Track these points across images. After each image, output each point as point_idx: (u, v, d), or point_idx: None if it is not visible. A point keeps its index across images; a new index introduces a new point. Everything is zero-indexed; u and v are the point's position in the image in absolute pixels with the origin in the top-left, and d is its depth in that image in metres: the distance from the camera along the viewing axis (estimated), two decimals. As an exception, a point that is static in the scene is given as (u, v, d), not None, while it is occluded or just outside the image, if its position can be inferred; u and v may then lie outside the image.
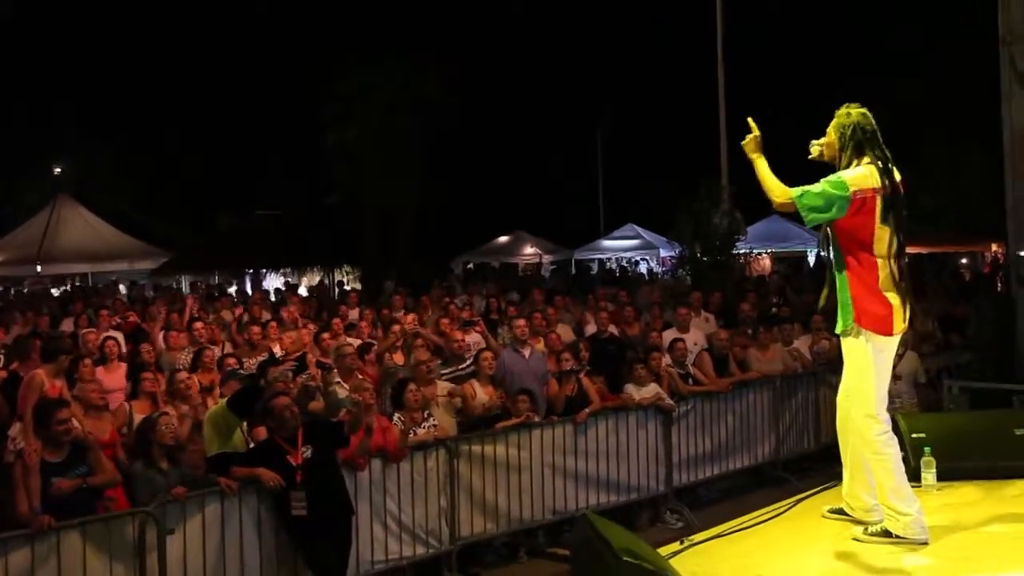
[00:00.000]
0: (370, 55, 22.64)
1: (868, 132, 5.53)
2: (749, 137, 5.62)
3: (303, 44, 35.53)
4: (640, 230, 31.03)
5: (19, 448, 6.68)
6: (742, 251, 18.36)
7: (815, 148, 5.75)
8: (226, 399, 7.23)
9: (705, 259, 16.72)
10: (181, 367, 9.52)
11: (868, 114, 5.59)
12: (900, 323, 5.51)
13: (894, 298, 5.46)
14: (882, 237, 5.43)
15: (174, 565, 6.37)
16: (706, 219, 16.76)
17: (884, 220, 5.42)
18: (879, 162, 5.48)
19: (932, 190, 29.64)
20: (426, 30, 29.64)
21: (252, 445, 7.38)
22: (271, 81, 36.94)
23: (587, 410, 8.95)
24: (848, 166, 5.52)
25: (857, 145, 5.52)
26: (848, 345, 5.61)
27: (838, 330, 5.66)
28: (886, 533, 5.48)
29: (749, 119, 5.64)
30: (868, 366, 5.51)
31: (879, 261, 5.43)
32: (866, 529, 5.60)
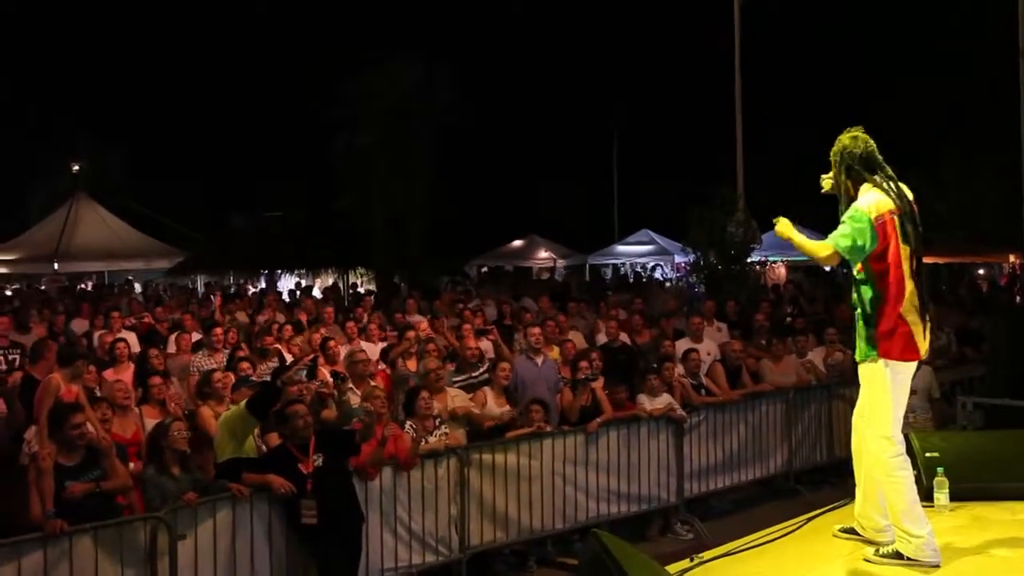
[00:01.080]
0: (379, 57, 22.67)
1: (859, 155, 5.45)
2: (781, 228, 5.61)
3: (311, 47, 35.68)
4: (655, 236, 30.94)
5: (34, 451, 6.71)
6: (757, 259, 18.30)
7: (826, 182, 5.72)
8: (244, 401, 7.25)
9: (720, 267, 16.65)
10: (196, 369, 9.60)
11: (859, 136, 5.49)
12: (923, 345, 5.46)
13: (916, 321, 5.41)
14: (905, 257, 5.39)
15: (185, 570, 6.41)
16: (720, 227, 16.69)
17: (904, 240, 5.39)
18: (886, 182, 5.42)
19: (949, 199, 29.49)
20: (436, 32, 29.69)
21: (264, 450, 7.41)
22: (281, 83, 37.09)
23: (598, 420, 8.94)
24: (855, 194, 5.47)
25: (848, 170, 5.46)
26: (866, 369, 5.57)
27: (858, 358, 5.62)
28: (897, 555, 5.44)
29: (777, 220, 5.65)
30: (886, 389, 5.46)
31: (906, 282, 5.40)
32: (877, 550, 5.56)
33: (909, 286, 5.39)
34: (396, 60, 22.52)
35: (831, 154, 5.57)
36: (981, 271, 27.00)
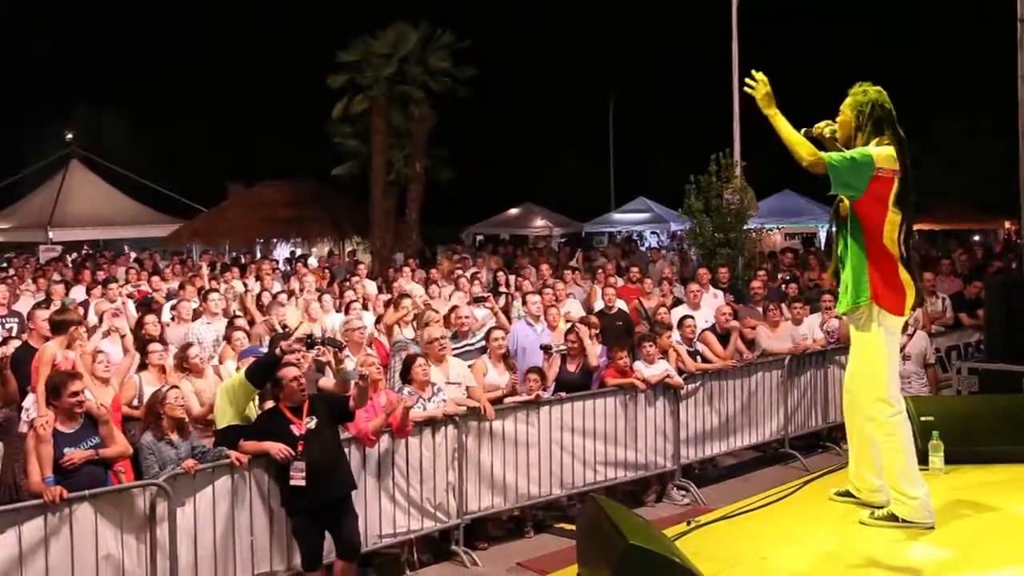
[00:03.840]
0: (378, 24, 22.51)
1: (886, 110, 5.43)
2: (760, 90, 5.33)
3: (310, 12, 35.38)
4: (651, 203, 30.89)
5: (32, 418, 6.72)
6: (753, 227, 18.25)
7: (826, 128, 5.62)
8: (243, 370, 7.26)
9: (717, 235, 16.62)
10: (195, 338, 9.60)
11: (884, 92, 5.47)
12: (911, 304, 5.49)
13: (906, 279, 5.44)
14: (894, 220, 5.36)
15: (184, 537, 6.44)
16: (716, 194, 16.64)
17: (896, 203, 5.36)
18: (897, 143, 5.39)
19: (947, 165, 29.46)
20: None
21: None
22: (280, 50, 36.82)
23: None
24: (866, 145, 5.41)
25: (876, 123, 5.41)
26: (858, 327, 5.57)
27: (845, 308, 5.59)
28: (892, 517, 5.49)
29: (756, 73, 5.34)
30: (880, 348, 5.48)
31: (888, 244, 5.38)
32: (872, 513, 5.61)
33: (894, 247, 5.38)
34: (395, 27, 22.36)
35: (852, 104, 5.47)
36: (977, 237, 27.04)
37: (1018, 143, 12.20)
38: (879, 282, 5.40)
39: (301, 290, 12.76)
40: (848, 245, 5.49)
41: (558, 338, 9.98)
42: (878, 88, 5.49)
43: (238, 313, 10.70)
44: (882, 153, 5.34)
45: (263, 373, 7.07)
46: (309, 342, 7.63)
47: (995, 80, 16.86)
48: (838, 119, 5.60)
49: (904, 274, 5.43)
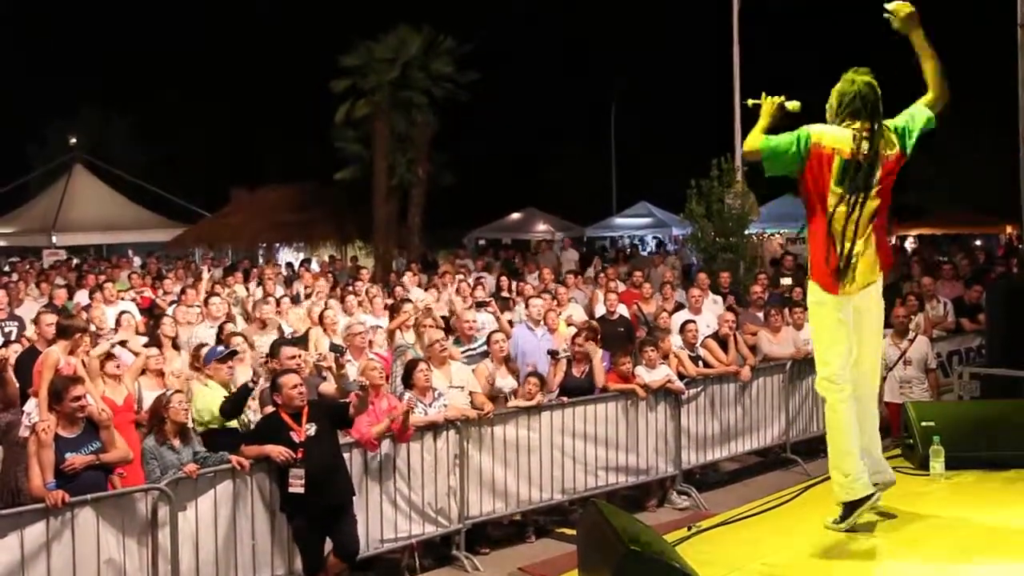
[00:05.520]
0: (381, 28, 22.54)
1: (868, 102, 5.40)
2: (769, 100, 5.54)
3: (313, 17, 35.42)
4: (653, 208, 30.91)
5: (34, 423, 6.73)
6: (754, 231, 18.27)
7: (788, 104, 5.60)
8: (219, 406, 7.32)
9: (718, 240, 16.62)
10: (196, 339, 9.60)
11: (874, 83, 5.44)
12: (845, 284, 5.39)
13: (845, 257, 5.37)
14: (833, 198, 5.35)
15: (186, 541, 6.46)
16: (717, 199, 16.66)
17: (839, 183, 5.34)
18: (865, 132, 5.35)
19: (948, 170, 29.41)
20: (437, 3, 29.49)
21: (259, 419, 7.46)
22: (283, 55, 36.87)
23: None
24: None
25: (854, 113, 5.41)
26: (808, 297, 5.65)
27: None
28: (842, 508, 5.50)
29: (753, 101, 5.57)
30: (819, 324, 5.57)
31: (831, 221, 5.37)
32: (834, 519, 5.60)
33: (836, 224, 5.35)
34: (398, 31, 22.39)
35: (837, 90, 5.50)
36: (978, 242, 27.01)
37: (1019, 147, 12.22)
38: (817, 259, 5.45)
39: (307, 296, 12.79)
40: (806, 224, 5.57)
41: (559, 342, 10.00)
42: (868, 79, 5.45)
43: (234, 326, 10.67)
44: (829, 131, 5.39)
45: (236, 408, 7.22)
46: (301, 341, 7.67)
47: (997, 84, 16.88)
48: (827, 103, 5.63)
49: (837, 253, 5.36)
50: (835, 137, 5.36)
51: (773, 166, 5.43)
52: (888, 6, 5.42)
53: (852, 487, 5.45)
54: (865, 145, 5.34)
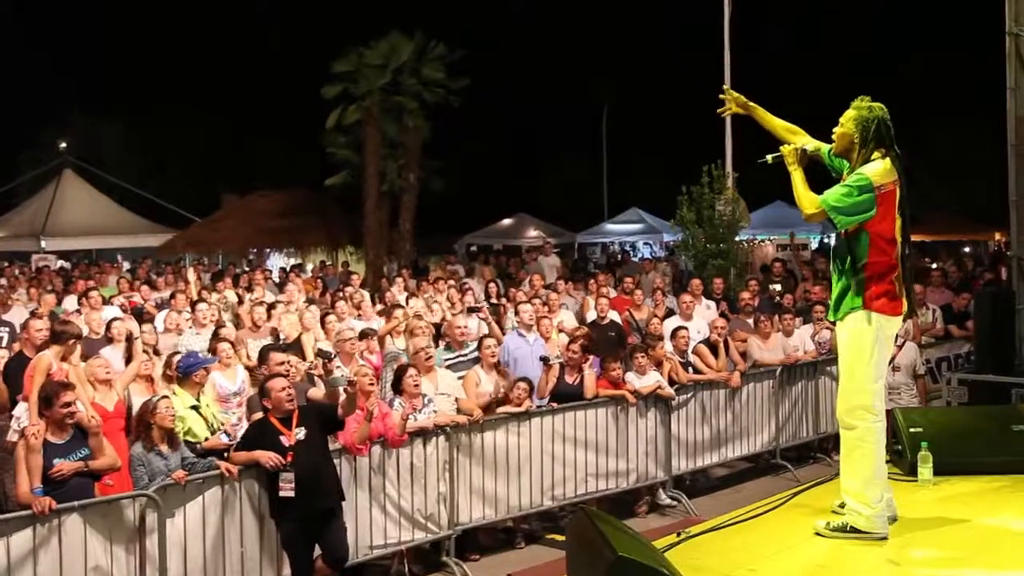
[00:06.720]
0: (372, 34, 22.53)
1: (888, 127, 5.54)
2: (788, 149, 5.66)
3: (304, 23, 35.42)
4: (644, 214, 30.98)
5: (22, 428, 6.70)
6: (744, 238, 18.31)
7: (811, 145, 5.79)
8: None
9: (709, 246, 16.66)
10: (184, 347, 9.57)
11: (885, 108, 5.58)
12: (906, 309, 5.58)
13: (900, 284, 5.53)
14: (899, 227, 5.51)
15: (174, 548, 6.42)
16: (708, 205, 16.70)
17: (900, 211, 5.50)
18: (895, 156, 5.51)
19: (937, 177, 29.51)
20: (428, 9, 29.56)
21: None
22: (275, 61, 36.86)
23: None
24: (866, 160, 5.51)
25: (879, 142, 5.51)
26: (848, 323, 5.58)
27: (838, 315, 5.64)
28: (849, 528, 5.52)
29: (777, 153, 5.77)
30: (868, 354, 5.51)
31: (896, 250, 5.50)
32: (828, 524, 5.63)
33: (898, 253, 5.50)
34: (389, 37, 22.39)
35: (856, 119, 5.55)
36: (967, 249, 27.14)
37: (1007, 155, 12.25)
38: (882, 287, 5.46)
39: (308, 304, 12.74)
40: (849, 253, 5.55)
41: (551, 348, 9.99)
42: (880, 104, 5.59)
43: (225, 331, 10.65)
44: (878, 169, 5.45)
45: None
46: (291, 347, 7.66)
47: (985, 92, 16.96)
48: (838, 130, 5.68)
49: (900, 281, 5.52)
50: (883, 172, 5.45)
51: (849, 220, 5.45)
52: (724, 96, 5.95)
53: (872, 522, 5.48)
54: (900, 171, 5.49)
